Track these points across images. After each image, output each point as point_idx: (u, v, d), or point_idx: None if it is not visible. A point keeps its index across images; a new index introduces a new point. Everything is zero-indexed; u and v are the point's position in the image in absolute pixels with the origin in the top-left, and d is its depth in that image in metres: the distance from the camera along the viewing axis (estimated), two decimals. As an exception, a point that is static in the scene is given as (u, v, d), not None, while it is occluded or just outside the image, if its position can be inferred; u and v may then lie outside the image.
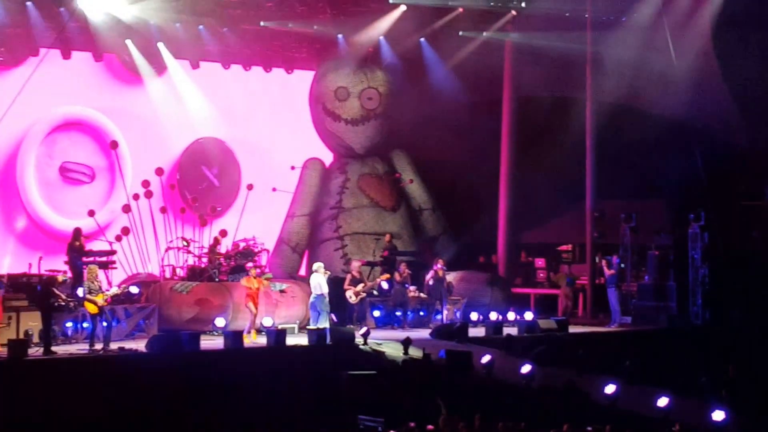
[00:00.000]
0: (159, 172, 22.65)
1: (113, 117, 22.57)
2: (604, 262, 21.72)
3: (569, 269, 21.44)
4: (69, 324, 17.34)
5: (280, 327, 18.46)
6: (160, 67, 22.85)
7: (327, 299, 18.73)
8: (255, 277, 18.65)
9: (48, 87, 21.52)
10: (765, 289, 21.19)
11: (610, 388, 14.16)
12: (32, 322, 16.52)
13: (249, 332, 18.05)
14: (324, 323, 18.42)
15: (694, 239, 21.69)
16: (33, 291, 16.94)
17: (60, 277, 17.29)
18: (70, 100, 22.31)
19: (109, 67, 22.67)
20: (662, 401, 13.32)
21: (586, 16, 23.03)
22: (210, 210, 23.12)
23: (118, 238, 21.52)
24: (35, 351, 15.65)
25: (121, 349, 16.50)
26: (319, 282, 18.78)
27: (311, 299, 18.86)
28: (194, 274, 20.54)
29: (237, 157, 24.11)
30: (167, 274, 21.19)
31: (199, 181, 23.59)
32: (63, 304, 16.75)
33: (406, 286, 21.30)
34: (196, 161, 23.63)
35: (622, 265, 21.97)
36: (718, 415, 12.70)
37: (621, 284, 21.69)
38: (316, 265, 19.31)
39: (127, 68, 22.57)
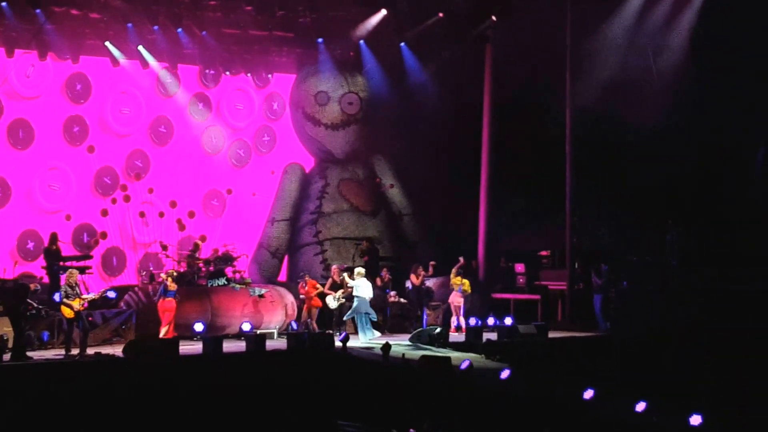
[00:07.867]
0: (138, 177, 22.55)
1: (89, 117, 22.54)
2: (593, 271, 21.83)
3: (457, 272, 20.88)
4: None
5: (259, 332, 18.39)
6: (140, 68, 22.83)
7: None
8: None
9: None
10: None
11: (588, 394, 14.17)
12: (7, 327, 16.37)
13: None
14: (368, 333, 18.59)
15: (670, 246, 21.77)
16: (6, 296, 16.80)
17: (32, 286, 17.08)
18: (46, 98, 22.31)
19: (89, 68, 22.61)
20: (640, 406, 13.33)
21: (566, 22, 23.06)
22: (188, 214, 23.00)
23: (95, 243, 21.38)
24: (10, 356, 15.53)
25: (98, 354, 16.37)
26: (363, 284, 18.88)
27: (356, 304, 18.80)
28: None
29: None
30: (145, 279, 21.05)
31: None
32: (34, 312, 16.60)
33: (387, 291, 21.25)
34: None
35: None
36: (695, 420, 12.72)
37: (609, 291, 21.76)
38: (358, 270, 19.27)
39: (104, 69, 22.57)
